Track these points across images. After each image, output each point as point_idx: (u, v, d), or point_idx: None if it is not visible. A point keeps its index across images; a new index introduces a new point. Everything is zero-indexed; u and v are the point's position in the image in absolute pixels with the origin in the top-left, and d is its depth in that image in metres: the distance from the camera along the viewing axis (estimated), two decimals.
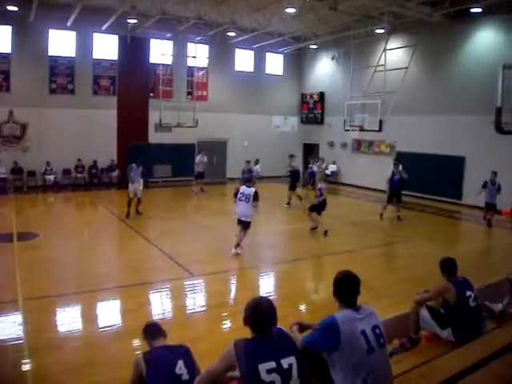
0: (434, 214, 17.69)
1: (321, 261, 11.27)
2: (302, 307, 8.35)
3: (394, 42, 19.91)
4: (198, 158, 21.78)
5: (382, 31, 19.79)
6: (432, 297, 5.61)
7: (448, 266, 5.49)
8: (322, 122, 27.42)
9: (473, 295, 5.26)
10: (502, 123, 11.55)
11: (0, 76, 20.66)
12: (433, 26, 19.34)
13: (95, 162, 22.60)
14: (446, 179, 19.81)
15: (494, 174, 15.27)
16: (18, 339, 6.45)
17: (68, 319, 7.44)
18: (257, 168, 21.49)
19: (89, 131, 22.16)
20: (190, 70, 24.59)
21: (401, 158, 21.68)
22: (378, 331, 3.55)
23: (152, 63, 23.97)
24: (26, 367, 5.72)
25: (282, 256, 11.88)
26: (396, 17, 19.26)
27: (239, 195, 11.03)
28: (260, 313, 3.28)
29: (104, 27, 21.34)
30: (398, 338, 5.64)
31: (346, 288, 3.70)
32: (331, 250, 12.17)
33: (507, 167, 17.36)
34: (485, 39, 18.50)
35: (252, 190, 11.09)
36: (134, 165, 15.33)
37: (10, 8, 18.91)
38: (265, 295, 8.09)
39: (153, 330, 4.24)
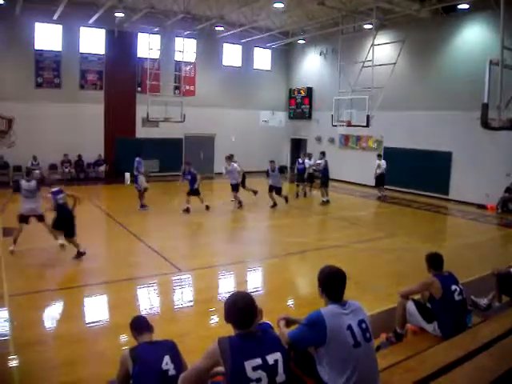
0: (421, 209, 17.80)
1: (307, 256, 11.27)
2: (289, 302, 8.35)
3: (382, 38, 19.96)
4: (231, 167, 17.05)
5: (370, 27, 19.84)
6: (416, 290, 5.63)
7: (434, 261, 5.52)
8: (309, 117, 27.45)
9: (458, 289, 5.29)
10: (489, 119, 11.60)
11: None
12: (421, 21, 19.42)
13: (80, 156, 22.44)
14: (433, 174, 19.95)
15: (272, 162, 16.90)
16: (4, 335, 6.40)
17: (54, 315, 7.42)
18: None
19: (76, 126, 22.03)
20: (178, 65, 24.50)
21: (388, 153, 21.84)
22: (364, 326, 3.56)
23: (139, 57, 23.88)
24: (12, 363, 5.67)
25: (269, 251, 11.90)
26: (384, 12, 19.35)
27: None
28: (239, 308, 3.26)
29: (91, 21, 21.18)
30: (384, 333, 5.66)
31: (333, 283, 3.70)
32: (318, 244, 12.19)
33: (493, 163, 17.54)
34: (472, 35, 18.61)
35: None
36: (140, 158, 15.80)
37: None
38: (252, 290, 8.12)
39: (139, 325, 4.22)
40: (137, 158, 15.73)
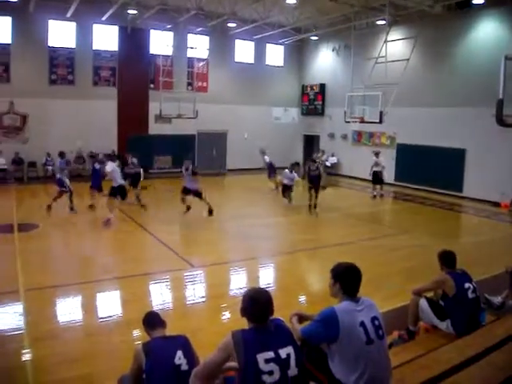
0: (434, 207, 17.67)
1: (318, 252, 11.25)
2: (301, 298, 8.36)
3: (394, 34, 19.77)
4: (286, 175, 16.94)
5: (382, 23, 19.67)
6: (429, 288, 5.61)
7: (447, 259, 5.49)
8: (322, 113, 27.34)
9: (471, 287, 5.26)
10: (504, 116, 11.48)
11: (0, 67, 20.60)
12: (434, 17, 19.24)
13: (92, 152, 22.44)
14: (446, 172, 19.79)
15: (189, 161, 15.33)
16: (19, 329, 6.48)
17: (68, 310, 7.48)
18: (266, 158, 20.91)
19: (89, 122, 22.12)
20: (190, 61, 24.51)
21: (401, 149, 21.75)
22: (377, 323, 3.56)
23: (152, 54, 23.90)
24: (26, 357, 5.75)
25: (280, 248, 11.91)
26: (397, 8, 19.18)
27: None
28: (257, 303, 3.29)
29: (104, 18, 21.24)
30: (397, 330, 5.64)
31: (350, 277, 3.70)
32: (330, 241, 12.17)
33: (507, 160, 17.38)
34: (486, 31, 18.42)
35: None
36: (64, 159, 15.34)
37: None
38: (263, 286, 8.13)
39: (152, 320, 4.25)
40: (60, 159, 15.09)
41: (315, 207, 15.67)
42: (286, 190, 16.75)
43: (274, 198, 17.26)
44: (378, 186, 19.13)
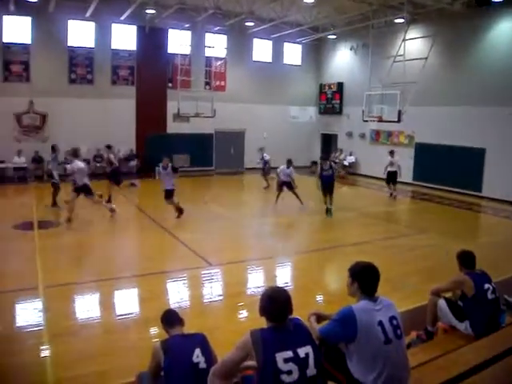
0: (452, 206, 17.49)
1: (336, 251, 11.22)
2: (318, 298, 8.35)
3: (412, 32, 19.62)
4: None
5: (401, 21, 19.56)
6: (448, 288, 5.57)
7: (466, 259, 5.44)
8: (340, 112, 27.23)
9: (491, 288, 5.21)
10: None
11: (20, 66, 20.90)
12: (453, 15, 19.03)
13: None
14: (465, 171, 19.58)
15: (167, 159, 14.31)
16: (38, 326, 6.56)
17: (87, 307, 7.55)
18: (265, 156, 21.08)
19: (108, 121, 22.31)
20: (208, 60, 24.56)
21: (420, 149, 21.59)
22: (395, 322, 3.55)
23: (170, 53, 24.03)
24: (45, 353, 5.82)
25: (297, 247, 11.90)
26: (415, 6, 19.04)
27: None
28: (276, 302, 3.29)
29: (122, 17, 21.41)
30: (415, 330, 5.61)
31: (368, 276, 3.70)
32: (347, 241, 12.12)
33: None
34: (505, 30, 18.16)
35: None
36: (55, 154, 15.62)
37: None
38: (281, 285, 8.14)
39: (171, 318, 4.29)
40: (51, 153, 15.57)
41: (330, 210, 14.69)
42: (284, 187, 15.93)
43: (290, 198, 17.22)
44: (392, 186, 18.79)
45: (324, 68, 28.64)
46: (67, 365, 5.55)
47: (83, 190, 12.89)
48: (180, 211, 13.52)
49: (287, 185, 15.85)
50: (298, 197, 15.66)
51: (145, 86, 23.34)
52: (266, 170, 20.20)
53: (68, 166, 13.17)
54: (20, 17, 20.58)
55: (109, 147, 16.25)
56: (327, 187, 14.61)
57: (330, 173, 14.66)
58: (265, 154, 20.69)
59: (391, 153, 18.57)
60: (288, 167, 15.82)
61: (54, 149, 15.49)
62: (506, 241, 12.58)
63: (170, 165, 13.58)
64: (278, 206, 15.76)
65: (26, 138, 21.18)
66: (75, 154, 13.34)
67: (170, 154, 23.37)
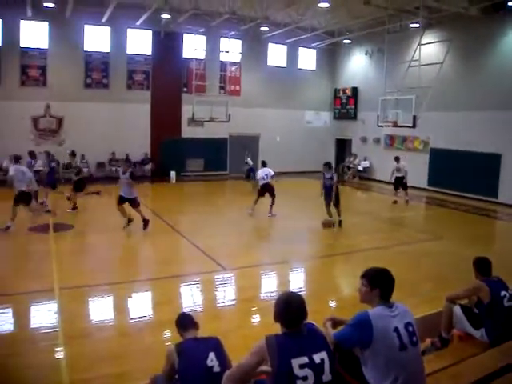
0: (468, 212, 17.33)
1: (351, 257, 11.18)
2: (332, 303, 8.33)
3: (428, 37, 19.48)
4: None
5: (416, 26, 19.46)
6: (464, 295, 5.51)
7: (482, 266, 5.39)
8: (355, 117, 27.19)
9: (508, 295, 5.16)
10: None
11: (37, 71, 21.20)
12: (469, 20, 18.91)
13: (127, 155, 22.71)
14: (481, 177, 19.40)
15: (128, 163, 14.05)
16: (53, 327, 6.62)
17: (101, 309, 7.61)
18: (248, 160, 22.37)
19: (123, 125, 22.52)
20: (223, 65, 24.70)
21: (435, 154, 21.45)
22: (410, 329, 3.52)
23: (185, 58, 24.16)
24: (60, 355, 5.86)
25: (311, 252, 11.90)
26: (431, 11, 18.94)
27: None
28: (291, 308, 3.27)
29: (138, 23, 21.59)
30: (430, 337, 5.57)
31: (385, 280, 3.68)
32: (360, 246, 12.03)
33: None
34: None
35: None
36: (33, 160, 15.28)
37: (47, 4, 19.33)
38: (295, 290, 8.12)
39: (185, 322, 4.31)
40: (28, 159, 15.04)
41: (340, 224, 13.73)
42: (264, 191, 15.16)
43: (302, 204, 17.17)
44: (400, 192, 18.57)
45: (339, 73, 28.61)
46: (81, 367, 5.58)
47: (20, 197, 11.94)
48: (146, 222, 12.61)
49: (269, 189, 15.11)
50: (274, 203, 15.05)
51: (160, 91, 23.49)
52: (250, 174, 21.28)
53: (10, 171, 12.31)
54: (37, 22, 20.89)
55: (73, 154, 16.07)
56: (328, 196, 13.82)
57: (330, 183, 13.63)
58: (249, 159, 21.75)
59: (396, 159, 18.38)
60: (263, 165, 15.84)
61: (32, 155, 15.24)
62: None
63: (129, 170, 12.58)
64: (283, 211, 15.64)
65: (43, 141, 21.39)
66: (16, 158, 12.55)
67: (184, 159, 23.72)
